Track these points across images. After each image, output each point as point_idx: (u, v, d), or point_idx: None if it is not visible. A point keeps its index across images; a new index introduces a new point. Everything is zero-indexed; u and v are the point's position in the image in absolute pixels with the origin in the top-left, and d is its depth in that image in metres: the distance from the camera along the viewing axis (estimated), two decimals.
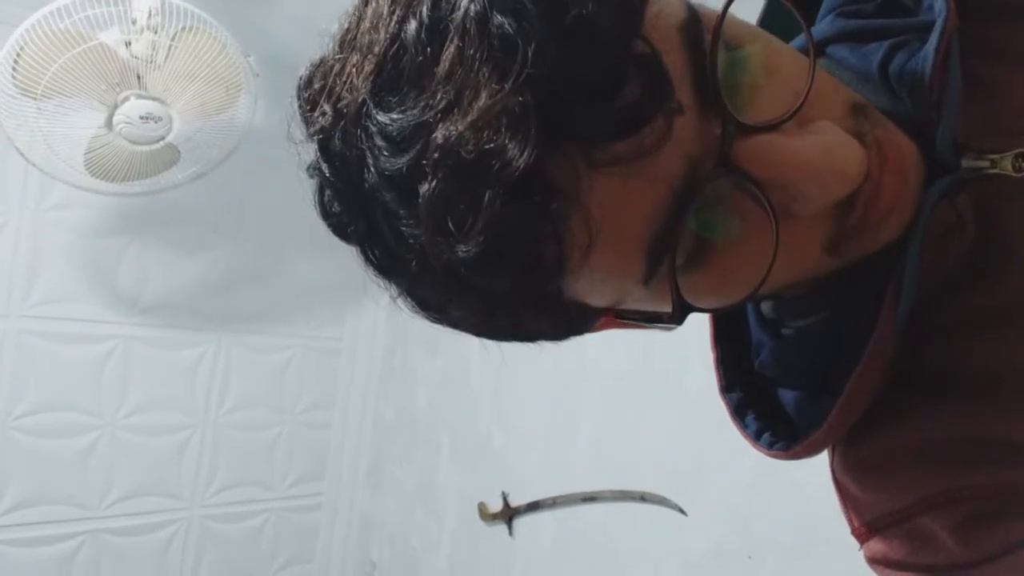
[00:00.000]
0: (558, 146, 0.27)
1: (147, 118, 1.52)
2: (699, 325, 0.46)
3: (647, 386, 1.79)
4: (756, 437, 0.43)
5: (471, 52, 0.27)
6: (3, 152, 1.74)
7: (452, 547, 2.35)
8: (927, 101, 0.35)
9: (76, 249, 2.09)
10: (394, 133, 0.28)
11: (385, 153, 0.28)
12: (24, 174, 1.91)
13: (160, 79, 1.50)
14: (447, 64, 0.27)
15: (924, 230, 0.34)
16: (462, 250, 0.27)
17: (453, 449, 2.39)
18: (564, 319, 0.34)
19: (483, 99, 0.26)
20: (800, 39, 0.39)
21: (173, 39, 1.47)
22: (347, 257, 0.34)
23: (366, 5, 0.31)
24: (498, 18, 0.26)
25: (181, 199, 1.95)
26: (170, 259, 2.24)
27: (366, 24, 0.30)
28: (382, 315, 2.72)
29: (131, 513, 2.20)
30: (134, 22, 1.44)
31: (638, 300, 0.34)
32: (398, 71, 0.28)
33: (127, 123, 1.51)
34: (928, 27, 0.37)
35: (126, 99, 1.50)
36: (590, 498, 1.89)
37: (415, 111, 0.27)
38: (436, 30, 0.27)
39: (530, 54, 0.26)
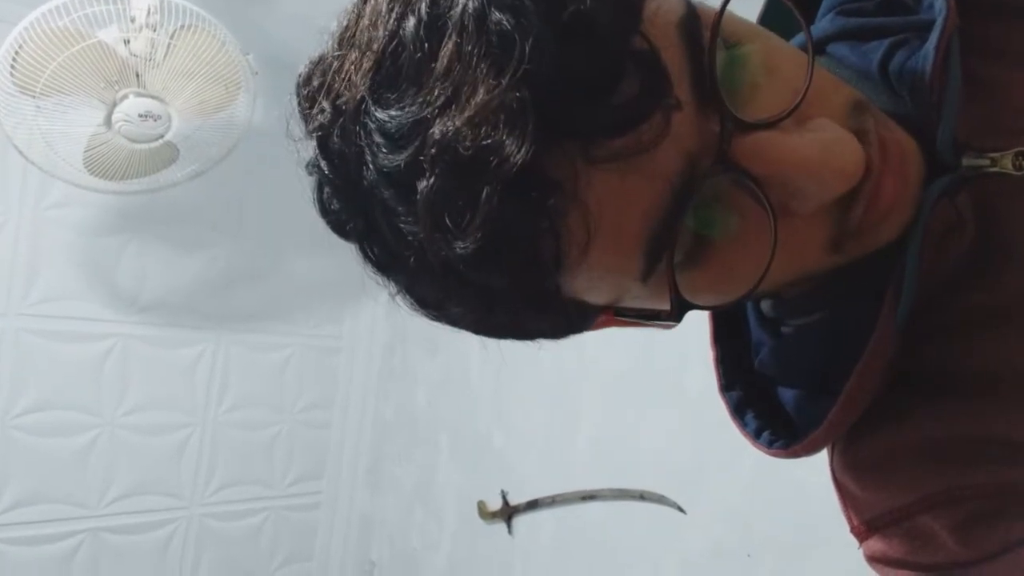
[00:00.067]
0: (556, 142, 0.27)
1: (146, 116, 1.52)
2: (699, 324, 0.45)
3: (646, 385, 1.79)
4: (756, 436, 0.43)
5: (469, 48, 0.26)
6: (2, 150, 1.74)
7: (451, 546, 2.35)
8: (927, 100, 0.35)
9: (75, 247, 2.09)
10: (392, 130, 0.28)
11: (384, 150, 0.28)
12: (23, 172, 1.91)
13: (159, 77, 1.50)
14: (445, 60, 0.27)
15: (924, 229, 0.34)
16: (460, 246, 0.27)
17: (452, 448, 2.39)
18: (563, 316, 0.34)
19: (481, 95, 0.26)
20: (800, 37, 0.39)
21: (172, 37, 1.47)
22: (346, 255, 0.34)
23: (365, 3, 0.31)
24: (496, 15, 0.26)
25: (180, 197, 1.95)
26: (169, 257, 2.24)
27: (365, 21, 0.30)
28: (381, 313, 2.72)
29: (130, 512, 2.20)
30: (133, 20, 1.44)
31: (637, 298, 0.34)
32: (397, 68, 0.28)
33: (126, 121, 1.51)
34: (928, 26, 0.37)
35: (125, 97, 1.50)
36: (589, 497, 1.89)
37: (413, 108, 0.27)
38: (434, 27, 0.27)
39: (528, 50, 0.26)
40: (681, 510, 1.67)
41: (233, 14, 1.61)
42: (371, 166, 0.29)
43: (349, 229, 0.32)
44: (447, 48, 0.27)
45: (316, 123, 0.31)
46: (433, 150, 0.27)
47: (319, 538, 2.65)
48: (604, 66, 0.27)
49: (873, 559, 0.38)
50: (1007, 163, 0.35)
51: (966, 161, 0.36)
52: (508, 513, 2.13)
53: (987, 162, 0.36)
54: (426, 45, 0.27)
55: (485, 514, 2.20)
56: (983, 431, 0.35)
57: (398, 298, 0.34)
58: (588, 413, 1.95)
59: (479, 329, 0.35)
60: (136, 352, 2.20)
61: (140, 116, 1.51)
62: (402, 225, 0.29)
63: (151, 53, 1.47)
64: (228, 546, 2.39)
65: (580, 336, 0.37)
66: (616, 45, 0.27)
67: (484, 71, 0.26)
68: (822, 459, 0.43)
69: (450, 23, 0.27)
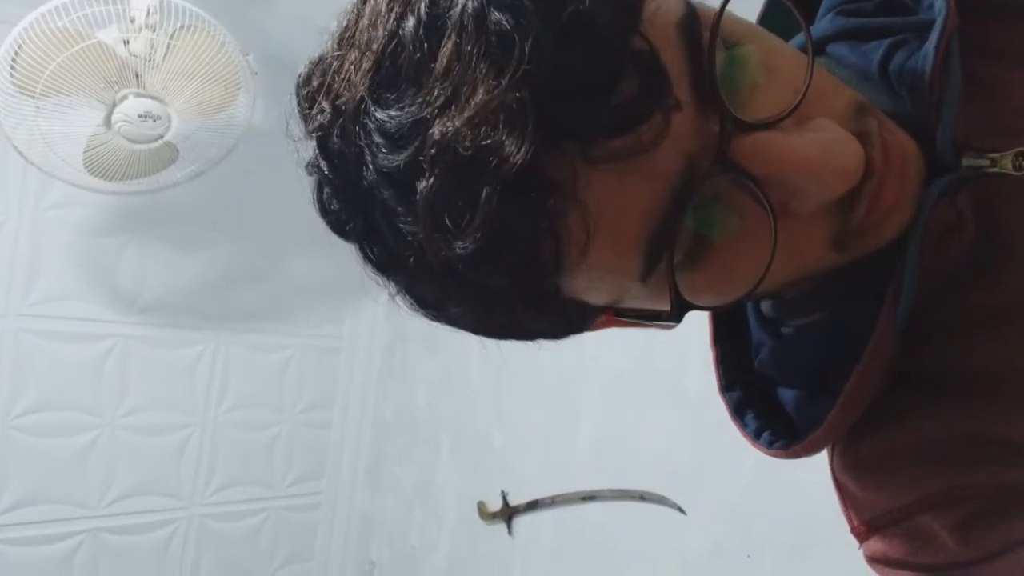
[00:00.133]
0: (555, 142, 0.27)
1: (146, 116, 1.52)
2: (699, 324, 0.45)
3: (647, 385, 1.79)
4: (756, 436, 0.43)
5: (468, 48, 0.26)
6: (2, 151, 1.74)
7: (451, 546, 2.35)
8: (927, 100, 0.35)
9: (75, 248, 2.09)
10: (392, 130, 0.28)
11: (383, 150, 0.28)
12: (23, 173, 1.91)
13: (159, 77, 1.50)
14: (445, 61, 0.27)
15: (924, 229, 0.34)
16: (459, 247, 0.27)
17: (452, 448, 2.39)
18: (562, 317, 0.34)
19: (480, 95, 0.26)
20: (800, 38, 0.39)
21: (172, 37, 1.47)
22: (346, 255, 0.34)
23: (365, 3, 0.31)
24: (496, 15, 0.26)
25: (180, 198, 1.95)
26: (169, 258, 2.24)
27: (365, 21, 0.30)
28: (381, 313, 2.72)
29: (130, 512, 2.20)
30: (132, 20, 1.44)
31: (636, 298, 0.34)
32: (396, 68, 0.28)
33: (126, 121, 1.51)
34: (928, 26, 0.37)
35: (124, 97, 1.50)
36: (589, 497, 1.89)
37: (413, 108, 0.27)
38: (434, 27, 0.27)
39: (527, 50, 0.26)
40: (681, 510, 1.67)
41: (233, 14, 1.62)
42: (371, 166, 0.29)
43: (349, 229, 0.32)
44: (446, 48, 0.27)
45: (316, 123, 0.31)
46: (433, 150, 0.27)
47: (319, 538, 2.65)
48: (603, 66, 0.27)
49: (873, 559, 0.38)
50: (1007, 163, 0.35)
51: (966, 161, 0.36)
52: (508, 513, 2.13)
53: (987, 162, 0.36)
54: (425, 45, 0.27)
55: (485, 514, 2.20)
56: (983, 431, 0.35)
57: (398, 298, 0.34)
58: (588, 413, 1.95)
59: (479, 329, 0.35)
60: (136, 352, 2.20)
61: (140, 116, 1.51)
62: (402, 225, 0.29)
63: (151, 53, 1.47)
64: (228, 546, 2.39)
65: (580, 336, 0.37)
66: (615, 45, 0.27)
67: (484, 71, 0.26)
68: (822, 459, 0.43)
69: (449, 23, 0.27)
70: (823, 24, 0.44)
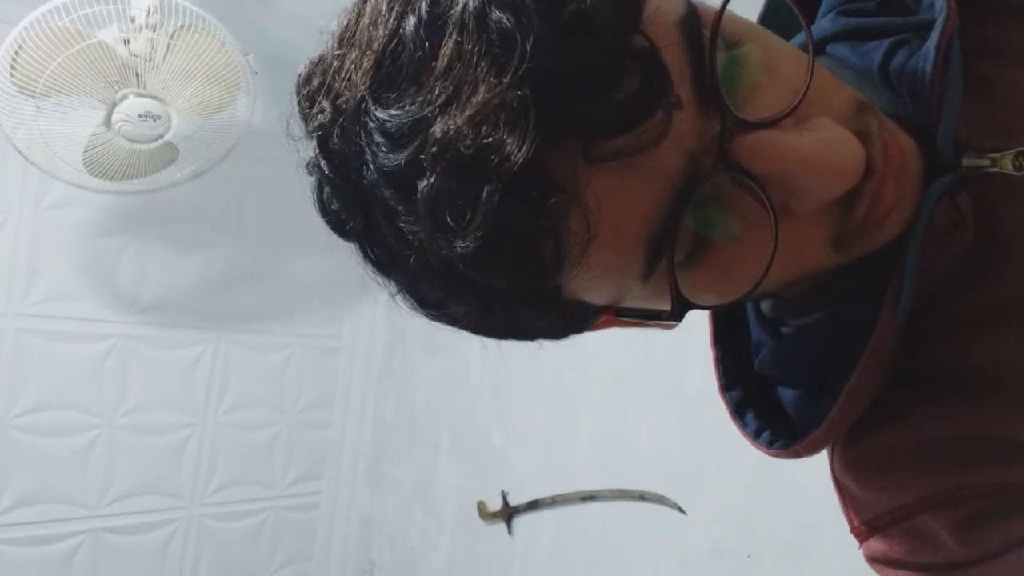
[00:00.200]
0: (557, 141, 0.26)
1: (146, 116, 1.52)
2: (699, 324, 0.45)
3: (647, 385, 1.79)
4: (756, 436, 0.43)
5: (469, 47, 0.26)
6: (2, 151, 1.74)
7: (451, 546, 2.35)
8: (928, 100, 0.35)
9: (75, 248, 2.09)
10: (392, 129, 0.28)
11: (384, 149, 0.28)
12: (23, 173, 1.91)
13: (159, 77, 1.50)
14: (446, 59, 0.27)
15: (925, 228, 0.34)
16: (460, 245, 0.27)
17: (452, 448, 2.39)
18: (563, 317, 0.34)
19: (481, 93, 0.26)
20: (800, 37, 0.39)
21: (172, 37, 1.47)
22: (346, 255, 0.34)
23: (365, 2, 0.31)
24: (496, 13, 0.26)
25: (180, 197, 1.95)
26: (169, 257, 2.24)
27: (365, 21, 0.30)
28: (381, 313, 2.72)
29: (130, 512, 2.20)
30: (133, 20, 1.44)
31: (637, 298, 0.34)
32: (396, 67, 0.28)
33: (126, 121, 1.51)
34: (928, 26, 0.37)
35: (125, 97, 1.50)
36: (589, 497, 1.89)
37: (414, 107, 0.27)
38: (435, 26, 0.27)
39: (528, 48, 0.26)
40: (681, 510, 1.67)
41: (233, 14, 1.61)
42: (371, 166, 0.29)
43: (349, 229, 0.32)
44: (447, 47, 0.27)
45: (316, 123, 0.31)
46: (434, 149, 0.27)
47: (319, 538, 2.65)
48: (605, 64, 0.27)
49: (873, 559, 0.38)
50: (1007, 163, 0.35)
51: (966, 161, 0.36)
52: (508, 513, 2.13)
53: (987, 162, 0.36)
54: (426, 44, 0.27)
55: (485, 514, 2.20)
56: (983, 431, 0.35)
57: (398, 298, 0.34)
58: (588, 413, 1.95)
59: (479, 329, 0.35)
60: (136, 352, 2.20)
61: (140, 116, 1.51)
62: (402, 225, 0.29)
63: (151, 53, 1.47)
64: (228, 546, 2.39)
65: (580, 336, 0.37)
66: (616, 43, 0.27)
67: (485, 70, 0.26)
68: (822, 459, 0.43)
69: (450, 22, 0.27)
70: (823, 24, 0.44)
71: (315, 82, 0.31)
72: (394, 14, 0.28)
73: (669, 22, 0.29)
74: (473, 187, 0.26)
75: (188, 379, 2.30)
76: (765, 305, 0.45)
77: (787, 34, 0.37)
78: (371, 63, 0.29)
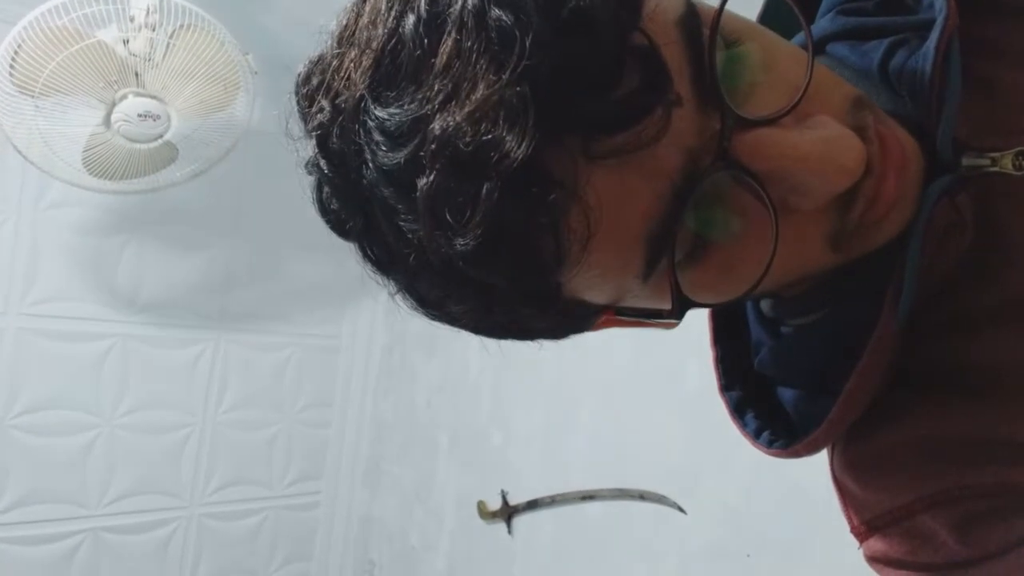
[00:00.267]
0: (556, 138, 0.26)
1: (145, 116, 1.52)
2: (699, 324, 0.45)
3: (646, 385, 1.79)
4: (755, 436, 0.43)
5: (469, 45, 0.26)
6: (1, 150, 1.74)
7: (451, 546, 2.35)
8: (927, 99, 0.35)
9: (74, 247, 2.09)
10: (392, 128, 0.28)
11: (383, 148, 0.28)
12: (22, 172, 1.91)
13: (158, 77, 1.50)
14: (444, 57, 0.27)
15: (925, 228, 0.34)
16: (460, 243, 0.27)
17: (452, 447, 2.39)
18: (563, 316, 0.34)
19: (480, 91, 0.26)
20: (799, 37, 0.39)
21: (171, 37, 1.47)
22: (346, 255, 0.34)
23: (365, 2, 0.31)
24: (496, 11, 0.26)
25: (179, 197, 1.95)
26: (168, 257, 2.24)
27: (364, 20, 0.30)
28: (381, 313, 2.72)
29: (130, 511, 2.20)
30: (132, 20, 1.44)
31: (637, 297, 0.34)
32: (396, 66, 0.28)
33: (125, 121, 1.51)
34: (928, 25, 0.37)
35: (124, 97, 1.50)
36: (589, 496, 1.89)
37: (413, 105, 0.27)
38: (434, 24, 0.27)
39: (528, 46, 0.26)
40: (681, 510, 1.67)
41: (233, 14, 1.61)
42: (371, 164, 0.29)
43: (349, 228, 0.32)
44: (446, 45, 0.27)
45: (315, 122, 0.31)
46: (433, 146, 0.26)
47: (319, 538, 2.65)
48: (604, 61, 0.27)
49: (873, 559, 0.38)
50: (1007, 163, 0.35)
51: (966, 161, 0.36)
52: (508, 513, 2.13)
53: (987, 162, 0.36)
54: (425, 42, 0.27)
55: (485, 514, 2.20)
56: (983, 431, 0.35)
57: (398, 297, 0.34)
58: (588, 413, 1.95)
59: (479, 329, 0.35)
60: (136, 352, 2.20)
61: (139, 116, 1.51)
62: (402, 223, 0.29)
63: (150, 53, 1.46)
64: (228, 546, 2.39)
65: (580, 336, 0.37)
66: (616, 41, 0.27)
67: (484, 67, 0.26)
68: (822, 459, 0.43)
69: (449, 20, 0.27)
70: (823, 23, 0.44)
71: (314, 81, 0.31)
72: (393, 13, 0.28)
73: (668, 20, 0.29)
74: (472, 184, 0.26)
75: (188, 379, 2.30)
76: (765, 305, 0.45)
77: (787, 34, 0.37)
78: (370, 62, 0.29)
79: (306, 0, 1.58)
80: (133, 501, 2.21)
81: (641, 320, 0.36)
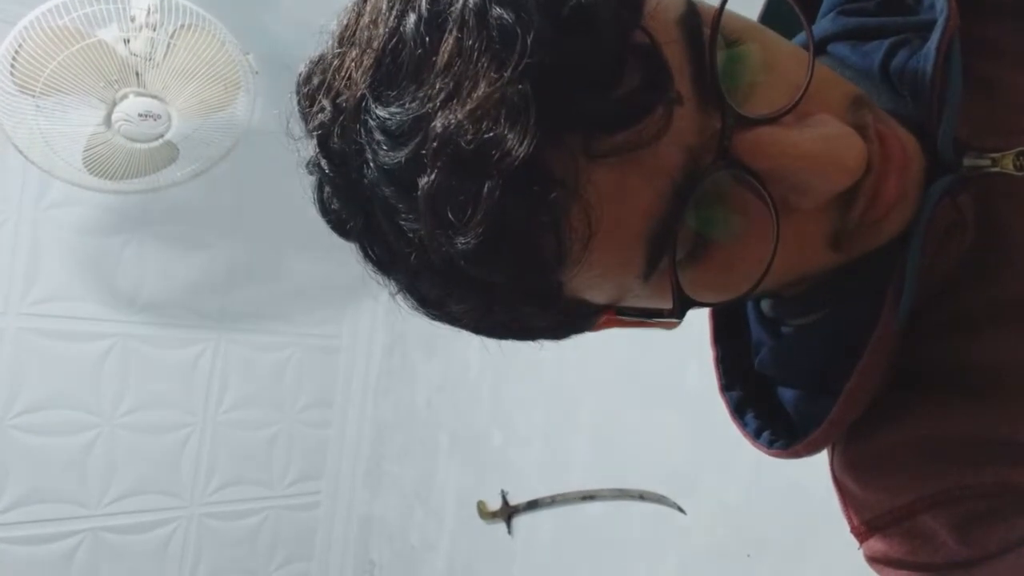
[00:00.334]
0: (558, 136, 0.26)
1: (146, 116, 1.52)
2: (699, 323, 0.45)
3: (647, 385, 1.79)
4: (756, 436, 0.43)
5: (470, 43, 0.26)
6: (2, 150, 1.74)
7: (451, 545, 2.35)
8: (928, 100, 0.35)
9: (75, 247, 2.09)
10: (393, 127, 0.28)
11: (384, 147, 0.28)
12: (23, 172, 1.91)
13: (159, 77, 1.50)
14: (446, 56, 0.27)
15: (926, 228, 0.34)
16: (461, 242, 0.27)
17: (452, 447, 2.39)
18: (564, 315, 0.34)
19: (482, 89, 0.26)
20: (800, 37, 0.39)
21: (172, 37, 1.47)
22: (346, 255, 0.34)
23: (365, 1, 0.31)
24: (497, 9, 0.26)
25: (180, 197, 1.95)
26: (169, 257, 2.24)
27: (365, 20, 0.30)
28: (381, 313, 2.72)
29: (130, 511, 2.20)
30: (133, 19, 1.44)
31: (638, 296, 0.34)
32: (397, 65, 0.28)
33: (126, 121, 1.51)
34: (929, 26, 0.37)
35: (125, 97, 1.50)
36: (589, 497, 1.89)
37: (414, 104, 0.27)
38: (435, 23, 0.27)
39: (529, 44, 0.26)
40: (681, 510, 1.67)
41: (233, 14, 1.61)
42: (371, 164, 0.29)
43: (350, 228, 0.32)
44: (448, 43, 0.27)
45: (316, 122, 0.31)
46: (434, 145, 0.26)
47: (319, 538, 2.65)
48: (605, 60, 0.27)
49: (873, 559, 0.38)
50: (1008, 163, 0.35)
51: (967, 161, 0.36)
52: (508, 513, 2.13)
53: (988, 162, 0.36)
54: (427, 41, 0.27)
55: (485, 514, 2.20)
56: (984, 431, 0.35)
57: (398, 297, 0.34)
58: (587, 412, 1.95)
59: (480, 328, 0.35)
60: (136, 352, 2.20)
61: (140, 115, 1.51)
62: (403, 222, 0.29)
63: (151, 52, 1.47)
64: (228, 546, 2.39)
65: (580, 336, 0.37)
66: (617, 39, 0.27)
67: (485, 65, 0.26)
68: (822, 459, 0.43)
69: (451, 19, 0.27)
70: (824, 23, 0.44)
71: (315, 81, 0.31)
72: (394, 12, 0.28)
73: (669, 19, 0.29)
74: (474, 182, 0.26)
75: (188, 378, 2.30)
76: (765, 305, 0.45)
77: (788, 34, 0.37)
78: (371, 61, 0.29)
79: (307, 0, 1.57)
80: (133, 501, 2.21)
81: (642, 320, 0.36)
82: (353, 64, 0.29)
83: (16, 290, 2.00)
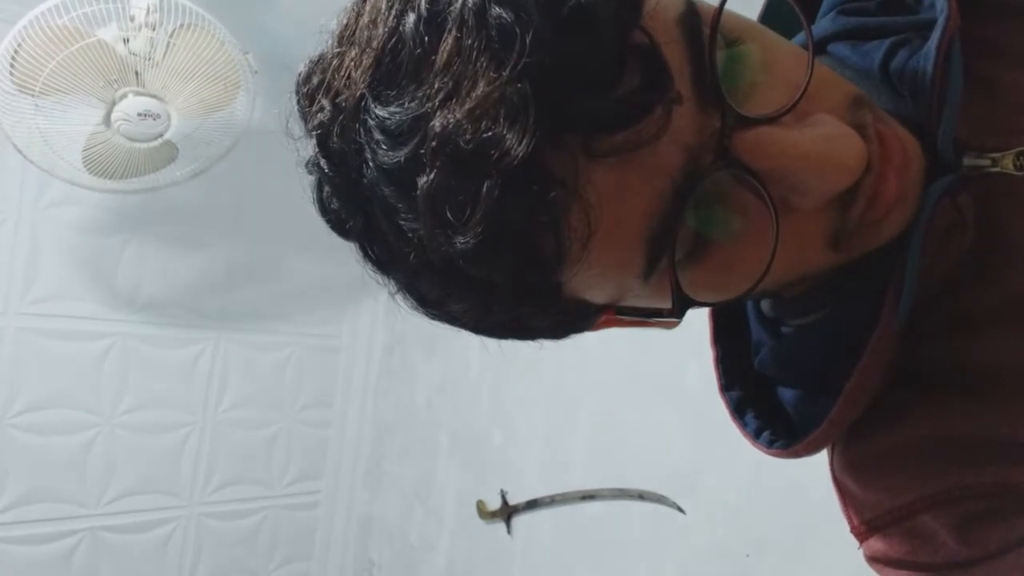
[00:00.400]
0: (557, 136, 0.26)
1: (145, 115, 1.52)
2: (699, 323, 0.45)
3: (646, 385, 1.79)
4: (755, 436, 0.43)
5: (469, 43, 0.26)
6: (1, 149, 1.74)
7: (451, 545, 2.35)
8: (928, 100, 0.35)
9: (74, 246, 2.09)
10: (392, 127, 0.28)
11: (383, 147, 0.28)
12: (22, 171, 1.91)
13: (158, 76, 1.50)
14: (445, 55, 0.27)
15: (926, 228, 0.34)
16: (460, 241, 0.27)
17: (452, 447, 2.39)
18: (563, 315, 0.34)
19: (481, 88, 0.26)
20: (800, 37, 0.39)
21: (171, 36, 1.47)
22: (346, 254, 0.34)
23: (365, 1, 0.31)
24: (496, 9, 0.26)
25: (179, 196, 1.95)
26: (168, 256, 2.24)
27: (365, 19, 0.30)
28: (381, 313, 2.72)
29: (129, 511, 2.20)
30: (132, 19, 1.44)
31: (638, 296, 0.34)
32: (396, 65, 0.28)
33: (125, 120, 1.51)
34: (929, 25, 0.37)
35: (124, 96, 1.50)
36: (589, 496, 1.89)
37: (413, 104, 0.27)
38: (434, 23, 0.27)
39: (528, 43, 0.26)
40: (681, 510, 1.67)
41: (233, 13, 1.61)
42: (371, 164, 0.29)
43: (349, 228, 0.32)
44: (447, 43, 0.27)
45: (315, 121, 0.31)
46: (433, 144, 0.26)
47: (318, 538, 2.65)
48: (605, 60, 0.27)
49: (873, 559, 0.38)
50: (1008, 163, 0.35)
51: (967, 161, 0.36)
52: (507, 513, 2.13)
53: (988, 162, 0.36)
54: (426, 40, 0.27)
55: (484, 514, 2.20)
56: (984, 431, 0.35)
57: (398, 297, 0.34)
58: (587, 412, 1.95)
59: (479, 328, 0.35)
60: (135, 351, 2.20)
61: (139, 115, 1.51)
62: (402, 222, 0.29)
63: (150, 52, 1.46)
64: (227, 545, 2.39)
65: (580, 336, 0.37)
66: (617, 39, 0.27)
67: (484, 65, 0.26)
68: (822, 459, 0.43)
69: (450, 18, 0.27)
70: (824, 23, 0.44)
71: (315, 80, 0.31)
72: (394, 12, 0.28)
73: (669, 18, 0.29)
74: (473, 182, 0.26)
75: (187, 378, 2.30)
76: (765, 305, 0.45)
77: (788, 34, 0.37)
78: (371, 61, 0.29)
79: (306, 0, 1.57)
80: (132, 500, 2.21)
81: (641, 320, 0.36)
82: (352, 64, 0.29)
83: (16, 290, 2.00)
